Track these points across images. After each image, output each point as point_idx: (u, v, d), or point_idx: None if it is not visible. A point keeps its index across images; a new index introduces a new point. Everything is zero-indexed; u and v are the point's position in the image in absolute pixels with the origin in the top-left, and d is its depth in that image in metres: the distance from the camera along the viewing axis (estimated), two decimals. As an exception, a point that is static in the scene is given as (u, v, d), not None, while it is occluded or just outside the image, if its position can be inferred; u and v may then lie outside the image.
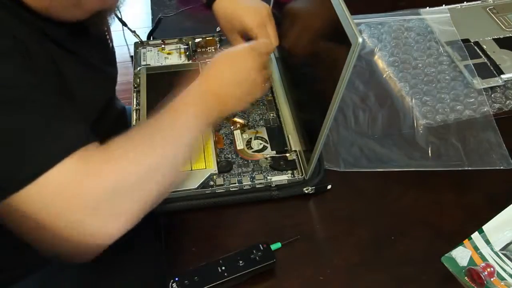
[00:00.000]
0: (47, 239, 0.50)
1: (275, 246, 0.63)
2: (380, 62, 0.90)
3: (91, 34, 0.67)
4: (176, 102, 0.61)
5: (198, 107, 0.61)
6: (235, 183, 0.69)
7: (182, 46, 0.91)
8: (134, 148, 0.54)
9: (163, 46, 0.91)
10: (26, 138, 0.49)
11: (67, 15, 0.59)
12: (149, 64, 0.87)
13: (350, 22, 0.54)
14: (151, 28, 0.97)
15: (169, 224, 0.67)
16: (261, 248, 0.61)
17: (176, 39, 0.92)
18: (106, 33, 0.76)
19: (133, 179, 0.53)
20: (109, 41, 0.77)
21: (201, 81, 0.64)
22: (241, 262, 0.60)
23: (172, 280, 0.56)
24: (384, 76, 0.87)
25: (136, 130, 0.58)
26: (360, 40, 0.52)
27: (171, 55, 0.89)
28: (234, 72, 0.66)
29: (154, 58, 0.89)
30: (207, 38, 0.92)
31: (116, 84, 0.79)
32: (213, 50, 0.90)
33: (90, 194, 0.50)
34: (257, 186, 0.69)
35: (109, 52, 0.77)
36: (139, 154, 0.54)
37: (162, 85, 0.83)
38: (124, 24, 0.91)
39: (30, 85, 0.51)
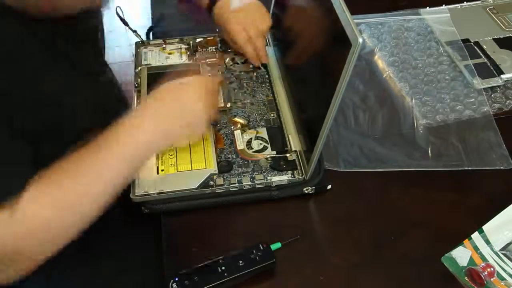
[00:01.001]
0: None
1: (275, 246, 0.62)
2: (380, 62, 0.89)
3: (80, 35, 0.65)
4: (105, 139, 0.56)
5: (127, 146, 0.56)
6: (235, 183, 0.68)
7: (183, 46, 0.90)
8: (58, 192, 0.52)
9: (164, 46, 0.90)
10: None
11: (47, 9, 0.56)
12: (150, 64, 0.86)
13: (350, 22, 0.54)
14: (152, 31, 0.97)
15: (169, 224, 0.66)
16: (261, 248, 0.61)
17: (177, 39, 0.91)
18: (99, 36, 0.74)
19: (43, 239, 0.52)
20: (100, 44, 0.75)
21: (136, 115, 0.60)
22: (241, 262, 0.59)
23: (172, 280, 0.56)
24: (384, 76, 0.87)
25: (62, 169, 0.54)
26: (360, 40, 0.52)
27: (172, 55, 0.88)
28: (175, 106, 0.62)
29: (155, 57, 0.88)
30: (208, 38, 0.91)
31: (115, 88, 0.77)
32: (214, 50, 0.89)
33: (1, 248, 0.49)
34: (257, 186, 0.68)
35: (100, 56, 0.75)
36: (62, 207, 0.53)
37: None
38: (125, 23, 0.90)
39: None
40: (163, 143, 0.62)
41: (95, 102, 0.66)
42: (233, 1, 0.81)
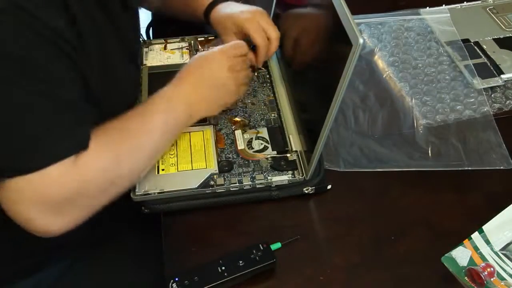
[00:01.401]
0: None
1: (275, 246, 0.62)
2: (380, 62, 0.89)
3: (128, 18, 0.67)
4: (145, 107, 0.63)
5: (166, 114, 0.63)
6: (236, 183, 0.68)
7: (184, 45, 0.89)
8: (107, 153, 0.56)
9: (165, 45, 0.89)
10: (42, 126, 0.50)
11: None
12: (151, 63, 0.85)
13: (351, 22, 0.53)
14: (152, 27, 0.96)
15: (169, 224, 0.66)
16: (261, 248, 0.60)
17: (179, 39, 0.91)
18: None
19: (99, 185, 0.56)
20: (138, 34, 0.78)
21: (171, 86, 0.66)
22: (241, 262, 0.59)
23: (172, 280, 0.55)
24: (384, 76, 0.86)
25: (109, 131, 0.59)
26: (361, 41, 0.51)
27: (173, 55, 0.88)
28: (205, 76, 0.67)
29: (156, 57, 0.87)
30: (209, 38, 0.90)
31: (138, 88, 0.77)
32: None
33: (57, 194, 0.52)
34: (258, 186, 0.68)
35: (137, 48, 0.77)
36: (110, 163, 0.57)
37: (163, 85, 0.81)
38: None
39: (56, 73, 0.51)
40: (197, 114, 0.67)
41: (135, 82, 0.73)
42: (234, 5, 0.81)
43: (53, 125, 0.51)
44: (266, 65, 0.85)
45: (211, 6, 0.82)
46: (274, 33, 0.77)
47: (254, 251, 0.60)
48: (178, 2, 0.85)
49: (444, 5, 0.97)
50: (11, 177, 0.50)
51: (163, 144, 0.65)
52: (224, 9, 0.81)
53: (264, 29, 0.77)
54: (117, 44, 0.63)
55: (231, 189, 0.67)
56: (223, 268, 0.58)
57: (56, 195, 0.52)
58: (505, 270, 0.60)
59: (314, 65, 0.70)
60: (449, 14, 0.95)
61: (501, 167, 0.72)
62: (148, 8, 0.87)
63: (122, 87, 0.66)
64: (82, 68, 0.55)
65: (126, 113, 0.61)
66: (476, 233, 0.63)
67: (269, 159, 0.71)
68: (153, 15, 0.97)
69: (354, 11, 0.55)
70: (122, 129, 0.59)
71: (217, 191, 0.67)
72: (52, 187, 0.51)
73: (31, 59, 0.49)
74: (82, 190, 0.54)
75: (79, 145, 0.53)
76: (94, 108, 0.57)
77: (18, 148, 0.50)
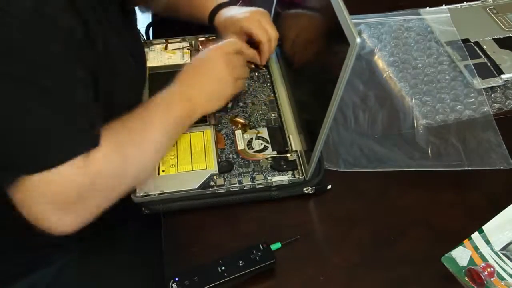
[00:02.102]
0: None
1: (275, 246, 0.61)
2: (380, 62, 0.88)
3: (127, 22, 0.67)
4: (147, 108, 0.63)
5: (166, 114, 0.64)
6: (236, 184, 0.67)
7: (185, 46, 0.89)
8: (116, 151, 0.57)
9: (166, 45, 0.89)
10: (56, 125, 0.50)
11: None
12: (152, 64, 0.85)
13: (348, 22, 0.53)
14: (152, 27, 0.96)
15: (169, 224, 0.65)
16: (261, 248, 0.60)
17: (179, 39, 0.90)
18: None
19: (109, 181, 0.56)
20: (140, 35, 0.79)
21: (170, 87, 0.67)
22: (241, 262, 0.58)
23: (172, 281, 0.55)
24: (384, 76, 0.85)
25: (114, 130, 0.59)
26: (358, 40, 0.51)
27: (174, 55, 0.87)
28: (202, 72, 0.69)
29: (157, 57, 0.87)
30: (210, 38, 0.90)
31: (143, 87, 0.77)
32: None
33: (70, 191, 0.52)
34: (258, 186, 0.67)
35: (140, 48, 0.77)
36: (118, 159, 0.57)
37: (164, 85, 0.81)
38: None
39: (71, 74, 0.51)
40: (197, 111, 0.68)
41: (140, 82, 0.74)
42: (236, 8, 0.82)
43: (67, 123, 0.51)
44: (266, 65, 0.85)
45: (215, 11, 0.82)
46: (273, 33, 0.78)
47: (254, 251, 0.59)
48: (184, 6, 0.85)
49: (444, 5, 0.97)
50: (25, 176, 0.49)
51: (166, 144, 0.66)
52: (227, 12, 0.82)
53: (264, 28, 0.77)
54: (120, 45, 0.63)
55: (231, 189, 0.67)
56: (223, 268, 0.57)
57: (69, 192, 0.52)
58: (505, 270, 0.60)
59: (313, 65, 0.70)
60: (449, 14, 0.94)
61: (501, 167, 0.72)
62: (148, 10, 0.87)
63: (127, 87, 0.66)
64: (92, 68, 0.55)
65: (131, 113, 0.61)
66: (476, 233, 0.63)
67: (269, 159, 0.70)
68: (153, 16, 0.96)
69: (354, 11, 0.55)
70: (128, 129, 0.60)
71: (217, 191, 0.67)
72: (65, 185, 0.51)
73: (46, 59, 0.49)
74: (92, 187, 0.54)
75: (91, 144, 0.54)
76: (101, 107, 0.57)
77: (32, 146, 0.50)
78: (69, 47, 0.50)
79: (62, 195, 0.52)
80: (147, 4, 0.70)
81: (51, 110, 0.50)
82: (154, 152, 0.63)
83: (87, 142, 0.53)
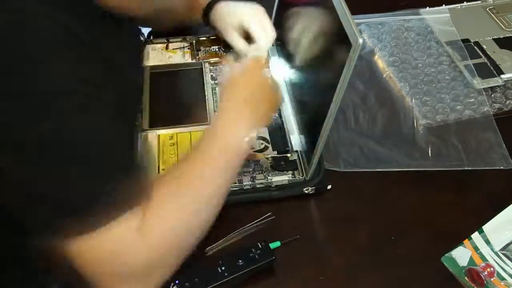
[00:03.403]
0: None
1: (274, 244, 0.60)
2: (380, 62, 0.87)
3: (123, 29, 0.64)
4: (201, 150, 0.56)
5: (224, 153, 0.56)
6: (236, 183, 0.66)
7: (186, 45, 0.87)
8: (177, 211, 0.51)
9: (167, 45, 0.88)
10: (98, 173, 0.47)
11: None
12: (153, 63, 0.84)
13: (351, 23, 0.52)
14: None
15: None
16: (260, 246, 0.59)
17: (180, 38, 0.89)
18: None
19: (174, 249, 0.51)
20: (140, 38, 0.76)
21: (220, 120, 0.59)
22: (240, 261, 0.57)
23: (172, 283, 0.53)
24: (384, 76, 0.84)
25: (176, 176, 0.54)
26: (360, 41, 0.50)
27: (174, 54, 0.86)
28: (253, 90, 0.62)
29: (158, 56, 0.85)
30: (211, 38, 0.88)
31: (140, 93, 0.75)
32: (216, 49, 0.87)
33: (134, 263, 0.48)
34: (258, 186, 0.66)
35: (137, 53, 0.74)
36: (186, 212, 0.52)
37: (165, 84, 0.81)
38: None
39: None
40: (252, 136, 0.60)
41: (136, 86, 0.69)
42: (234, 3, 0.80)
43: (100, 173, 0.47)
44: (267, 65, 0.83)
45: (211, 5, 0.81)
46: (271, 33, 0.77)
47: (253, 250, 0.58)
48: (173, 7, 0.82)
49: (444, 5, 0.95)
50: (75, 238, 0.46)
51: (227, 184, 0.57)
52: (225, 6, 0.80)
53: (263, 26, 0.76)
54: (117, 49, 0.60)
55: (231, 189, 0.65)
56: (223, 268, 0.56)
57: (132, 263, 0.48)
58: (505, 270, 0.59)
59: (314, 65, 0.68)
60: (449, 14, 0.93)
61: (501, 167, 0.70)
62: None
63: (123, 91, 0.63)
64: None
65: (183, 160, 0.56)
66: (476, 233, 0.62)
67: (270, 159, 0.69)
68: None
69: (354, 11, 0.54)
70: (183, 179, 0.54)
71: (217, 190, 0.66)
72: (125, 253, 0.47)
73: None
74: (158, 255, 0.50)
75: (135, 198, 0.49)
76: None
77: (77, 203, 0.46)
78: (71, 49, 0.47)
79: (124, 264, 0.48)
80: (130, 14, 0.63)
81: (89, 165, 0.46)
82: (218, 196, 0.55)
83: (134, 193, 0.48)
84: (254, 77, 0.63)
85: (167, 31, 0.89)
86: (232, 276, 0.56)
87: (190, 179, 0.53)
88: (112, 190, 0.47)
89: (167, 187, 0.52)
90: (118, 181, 0.48)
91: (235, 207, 0.65)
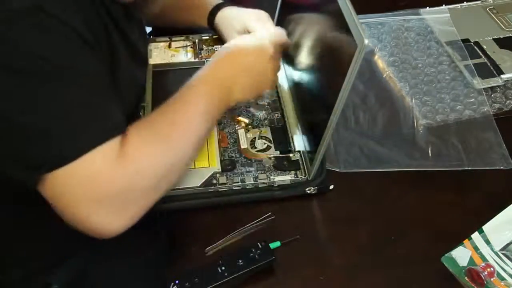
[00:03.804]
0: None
1: (274, 244, 0.60)
2: (380, 62, 0.86)
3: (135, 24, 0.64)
4: (185, 92, 0.58)
5: (206, 98, 0.58)
6: (238, 182, 0.65)
7: (189, 44, 0.87)
8: (155, 143, 0.52)
9: (169, 43, 0.87)
10: (75, 113, 0.47)
11: None
12: (156, 61, 0.83)
13: (356, 23, 0.51)
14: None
15: (169, 223, 0.64)
16: (260, 246, 0.58)
17: (183, 37, 0.88)
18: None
19: (151, 179, 0.51)
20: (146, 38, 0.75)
21: (208, 70, 0.61)
22: (240, 261, 0.57)
23: (172, 283, 0.53)
24: (384, 76, 0.84)
25: (152, 121, 0.55)
26: (366, 41, 0.49)
27: (177, 53, 0.85)
28: (245, 63, 0.64)
29: (161, 55, 0.85)
30: (214, 36, 0.87)
31: (143, 90, 0.74)
32: (219, 48, 0.86)
33: (109, 189, 0.48)
34: (260, 185, 0.66)
35: (145, 51, 0.74)
36: (160, 152, 0.52)
37: (168, 82, 0.80)
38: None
39: (86, 62, 0.48)
40: (231, 100, 0.63)
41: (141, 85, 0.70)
42: (238, 8, 0.80)
43: (86, 112, 0.48)
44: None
45: (216, 10, 0.81)
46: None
47: (253, 250, 0.58)
48: (178, 9, 0.83)
49: (444, 5, 0.95)
50: (53, 170, 0.46)
51: (206, 130, 0.59)
52: (230, 11, 0.80)
53: (268, 29, 0.75)
54: (124, 49, 0.60)
55: (234, 188, 0.65)
56: (223, 268, 0.56)
57: (107, 189, 0.48)
58: (505, 270, 0.58)
59: (318, 66, 0.68)
60: (449, 14, 0.92)
61: (501, 167, 0.70)
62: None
63: (128, 89, 0.63)
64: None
65: (167, 101, 0.57)
66: (476, 233, 0.61)
67: (272, 158, 0.69)
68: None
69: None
70: (166, 118, 0.55)
71: (219, 190, 0.65)
72: (101, 180, 0.47)
73: (59, 54, 0.46)
74: (134, 183, 0.50)
75: (115, 128, 0.49)
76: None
77: (55, 137, 0.46)
78: (74, 42, 0.47)
79: (101, 192, 0.47)
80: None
81: (66, 99, 0.46)
82: (195, 140, 0.56)
83: (110, 126, 0.49)
84: (261, 50, 0.65)
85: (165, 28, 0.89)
86: (232, 276, 0.56)
87: (168, 116, 0.55)
88: (90, 118, 0.48)
89: (146, 122, 0.54)
90: (97, 109, 0.49)
91: (235, 207, 0.65)
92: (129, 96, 0.63)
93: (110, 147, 0.48)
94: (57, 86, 0.46)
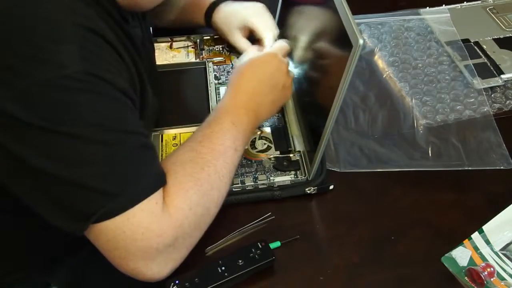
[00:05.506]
0: None
1: (274, 244, 0.59)
2: (380, 62, 0.84)
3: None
4: (211, 128, 0.57)
5: (233, 131, 0.57)
6: (238, 183, 0.64)
7: (190, 44, 0.85)
8: (192, 188, 0.52)
9: (171, 44, 0.85)
10: (125, 170, 0.46)
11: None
12: (157, 62, 0.81)
13: (352, 23, 0.50)
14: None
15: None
16: (260, 246, 0.57)
17: (185, 37, 0.87)
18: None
19: (195, 221, 0.51)
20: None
21: (228, 99, 0.61)
22: (240, 261, 0.55)
23: (172, 284, 0.52)
24: (384, 76, 0.82)
25: (184, 162, 0.54)
26: (361, 41, 0.48)
27: (178, 53, 0.84)
28: (263, 81, 0.63)
29: (162, 55, 0.83)
30: (215, 36, 0.86)
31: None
32: (220, 49, 0.85)
33: (159, 243, 0.48)
34: (260, 186, 0.64)
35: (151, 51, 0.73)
36: (200, 194, 0.52)
37: (169, 83, 0.79)
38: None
39: (133, 121, 0.49)
40: (259, 120, 0.63)
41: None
42: (236, 3, 0.78)
43: (135, 168, 0.48)
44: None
45: (213, 6, 0.79)
46: (275, 30, 0.75)
47: (253, 250, 0.56)
48: (176, 9, 0.81)
49: (444, 5, 0.93)
50: (104, 220, 0.46)
51: (238, 158, 0.58)
52: (227, 7, 0.78)
53: (267, 24, 0.75)
54: (146, 73, 0.60)
55: (234, 189, 0.64)
56: (223, 268, 0.55)
57: (158, 243, 0.48)
58: (505, 270, 0.57)
59: (315, 66, 0.67)
60: (449, 14, 0.90)
61: (501, 167, 0.68)
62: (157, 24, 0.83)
63: (152, 119, 0.65)
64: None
65: (195, 135, 0.56)
66: (476, 233, 0.60)
67: (272, 159, 0.67)
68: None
69: (354, 11, 0.52)
70: (196, 158, 0.54)
71: (219, 190, 0.64)
72: (150, 235, 0.47)
73: (109, 113, 0.46)
74: (181, 231, 0.50)
75: (160, 180, 0.50)
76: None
77: (108, 194, 0.46)
78: (123, 103, 0.48)
79: (150, 244, 0.48)
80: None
81: (120, 153, 0.46)
82: (229, 173, 0.56)
83: (153, 180, 0.49)
84: (276, 64, 0.64)
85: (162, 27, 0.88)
86: (232, 276, 0.54)
87: (202, 156, 0.54)
88: (138, 175, 0.47)
89: (179, 165, 0.53)
90: (144, 164, 0.48)
91: (235, 207, 0.63)
92: (150, 124, 0.63)
93: (155, 199, 0.48)
94: (108, 147, 0.46)
